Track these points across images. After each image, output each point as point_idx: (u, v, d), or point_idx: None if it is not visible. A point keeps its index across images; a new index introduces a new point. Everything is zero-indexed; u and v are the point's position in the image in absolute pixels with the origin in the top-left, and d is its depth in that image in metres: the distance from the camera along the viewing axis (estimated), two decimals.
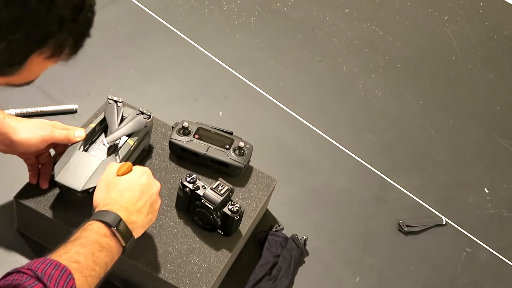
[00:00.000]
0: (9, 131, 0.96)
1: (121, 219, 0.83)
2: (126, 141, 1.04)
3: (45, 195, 1.02)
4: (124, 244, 0.83)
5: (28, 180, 1.03)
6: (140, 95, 1.38)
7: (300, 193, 1.29)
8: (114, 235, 0.82)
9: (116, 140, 1.04)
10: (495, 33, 1.87)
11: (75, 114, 1.28)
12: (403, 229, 1.27)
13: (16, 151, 0.99)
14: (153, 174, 0.93)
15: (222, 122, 1.37)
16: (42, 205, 1.00)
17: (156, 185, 0.92)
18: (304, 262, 1.16)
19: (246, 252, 1.13)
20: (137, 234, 0.86)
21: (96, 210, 0.86)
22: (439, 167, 1.43)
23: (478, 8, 1.96)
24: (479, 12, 1.94)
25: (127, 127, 1.05)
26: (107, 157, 1.03)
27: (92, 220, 0.82)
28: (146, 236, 1.00)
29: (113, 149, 1.04)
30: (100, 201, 0.88)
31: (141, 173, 0.92)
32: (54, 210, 1.00)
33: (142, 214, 0.87)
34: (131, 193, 0.88)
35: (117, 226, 0.82)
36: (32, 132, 0.97)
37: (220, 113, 1.41)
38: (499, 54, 1.81)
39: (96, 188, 0.91)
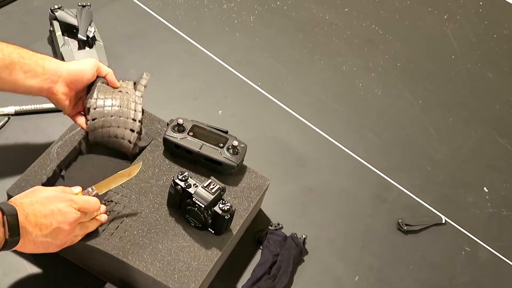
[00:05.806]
0: (59, 67, 1.02)
1: (16, 215, 0.81)
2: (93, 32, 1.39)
3: None
4: (7, 237, 0.80)
5: (20, 175, 1.02)
6: None
7: (299, 191, 1.29)
8: (3, 224, 0.79)
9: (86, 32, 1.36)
10: (495, 32, 1.87)
11: None
12: (402, 228, 1.27)
13: (69, 85, 1.04)
14: (143, 170, 0.91)
15: (221, 121, 1.38)
16: None
17: (70, 218, 0.89)
18: (303, 261, 1.16)
19: (241, 251, 1.13)
20: (24, 244, 0.83)
21: None
22: (438, 166, 1.43)
23: (478, 7, 1.96)
24: (478, 11, 1.94)
25: (85, 20, 1.37)
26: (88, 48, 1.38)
27: None
28: (135, 233, 1.00)
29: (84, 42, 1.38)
30: (13, 198, 0.87)
31: (64, 199, 0.90)
32: None
33: (40, 231, 0.85)
34: (41, 208, 0.86)
35: (9, 218, 0.80)
36: (82, 62, 1.07)
37: (220, 112, 1.41)
38: (499, 53, 1.81)
39: None
